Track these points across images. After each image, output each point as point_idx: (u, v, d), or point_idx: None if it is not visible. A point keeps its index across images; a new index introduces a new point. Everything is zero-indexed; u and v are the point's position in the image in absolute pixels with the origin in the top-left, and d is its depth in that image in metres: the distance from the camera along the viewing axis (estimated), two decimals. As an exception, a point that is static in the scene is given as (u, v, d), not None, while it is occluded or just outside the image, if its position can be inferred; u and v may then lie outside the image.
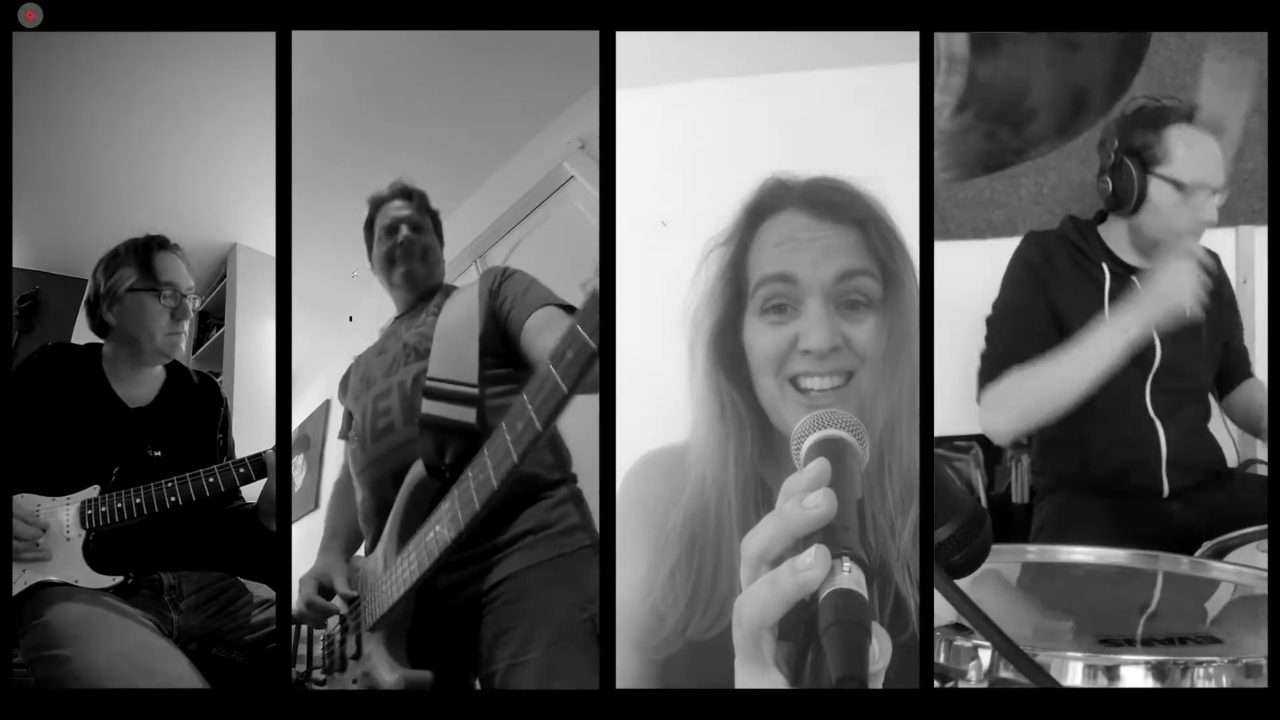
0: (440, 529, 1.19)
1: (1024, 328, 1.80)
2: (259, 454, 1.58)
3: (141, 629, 1.46)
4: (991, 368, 1.79)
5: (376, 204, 1.70)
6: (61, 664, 1.33)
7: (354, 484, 1.53)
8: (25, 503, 1.56)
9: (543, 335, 1.33)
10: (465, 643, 1.32)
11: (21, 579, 1.50)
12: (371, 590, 1.39)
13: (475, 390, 1.34)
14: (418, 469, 1.33)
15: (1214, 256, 1.96)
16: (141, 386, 1.72)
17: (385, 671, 1.29)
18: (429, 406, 1.35)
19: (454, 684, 1.37)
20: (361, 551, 1.55)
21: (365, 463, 1.47)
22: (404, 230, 1.62)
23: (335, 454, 1.98)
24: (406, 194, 1.68)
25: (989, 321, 1.88)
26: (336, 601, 1.49)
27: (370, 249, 1.70)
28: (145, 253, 1.69)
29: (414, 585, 1.25)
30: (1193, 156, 1.77)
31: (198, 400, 1.79)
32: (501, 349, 1.43)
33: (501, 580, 1.31)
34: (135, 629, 1.45)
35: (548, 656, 1.22)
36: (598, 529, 1.34)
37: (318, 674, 1.49)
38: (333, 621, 1.51)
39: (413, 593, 1.27)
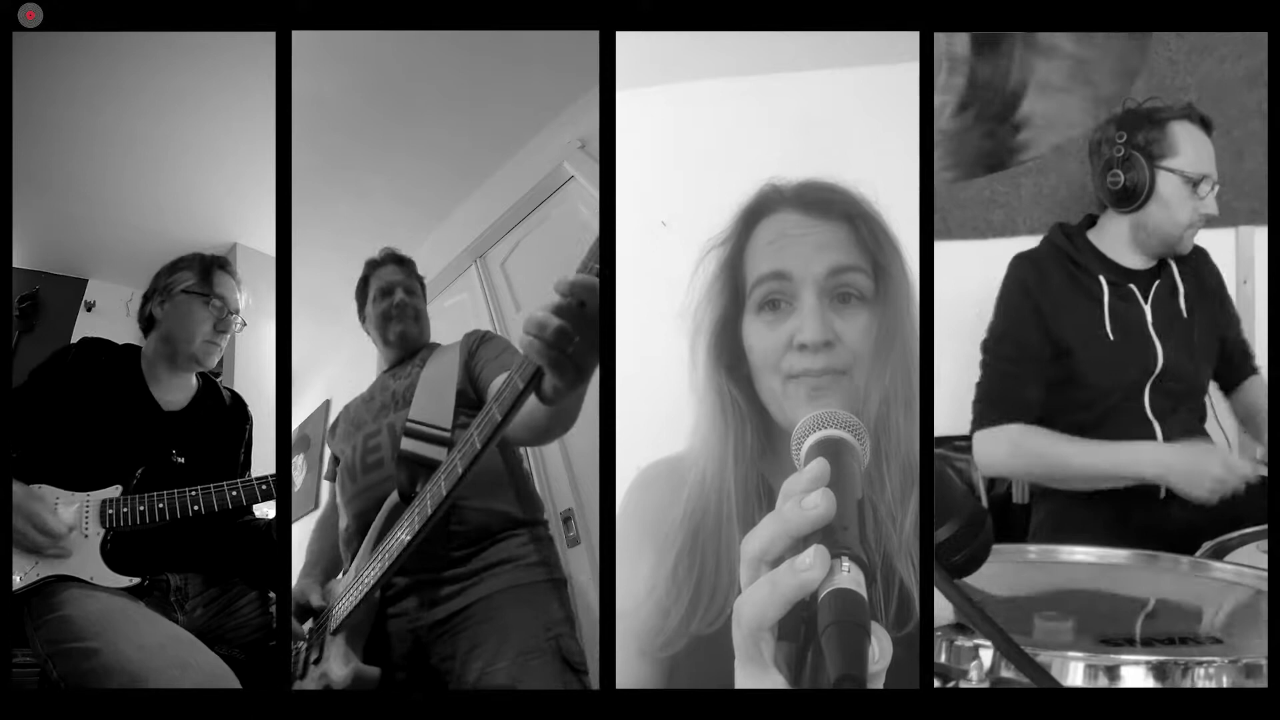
0: (401, 534, 1.32)
1: (1020, 368, 1.84)
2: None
3: (164, 621, 1.47)
4: (987, 408, 1.85)
5: (371, 267, 1.86)
6: (89, 656, 1.33)
7: (340, 512, 1.65)
8: (44, 494, 1.55)
9: None
10: (435, 659, 1.45)
11: (33, 571, 1.49)
12: (338, 600, 1.49)
13: (448, 434, 1.50)
14: (393, 496, 1.46)
15: (1202, 251, 1.97)
16: (177, 392, 1.73)
17: (338, 665, 1.37)
18: (407, 444, 1.51)
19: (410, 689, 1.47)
20: (340, 576, 1.62)
21: (354, 492, 1.59)
22: (400, 294, 1.80)
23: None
24: (399, 260, 1.86)
25: (984, 349, 1.89)
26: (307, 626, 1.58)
27: (362, 307, 1.86)
28: (209, 265, 1.77)
29: (376, 584, 1.37)
30: (1194, 149, 1.82)
31: (227, 416, 1.81)
32: (474, 402, 1.57)
33: (474, 602, 1.44)
34: (160, 622, 1.46)
35: (515, 666, 1.34)
36: (561, 568, 1.57)
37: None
38: (303, 632, 1.58)
39: (375, 592, 1.39)
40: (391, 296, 1.79)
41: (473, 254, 2.88)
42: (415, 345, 1.79)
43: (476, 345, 1.65)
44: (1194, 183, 1.81)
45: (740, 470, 0.99)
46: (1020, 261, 1.91)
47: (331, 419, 1.84)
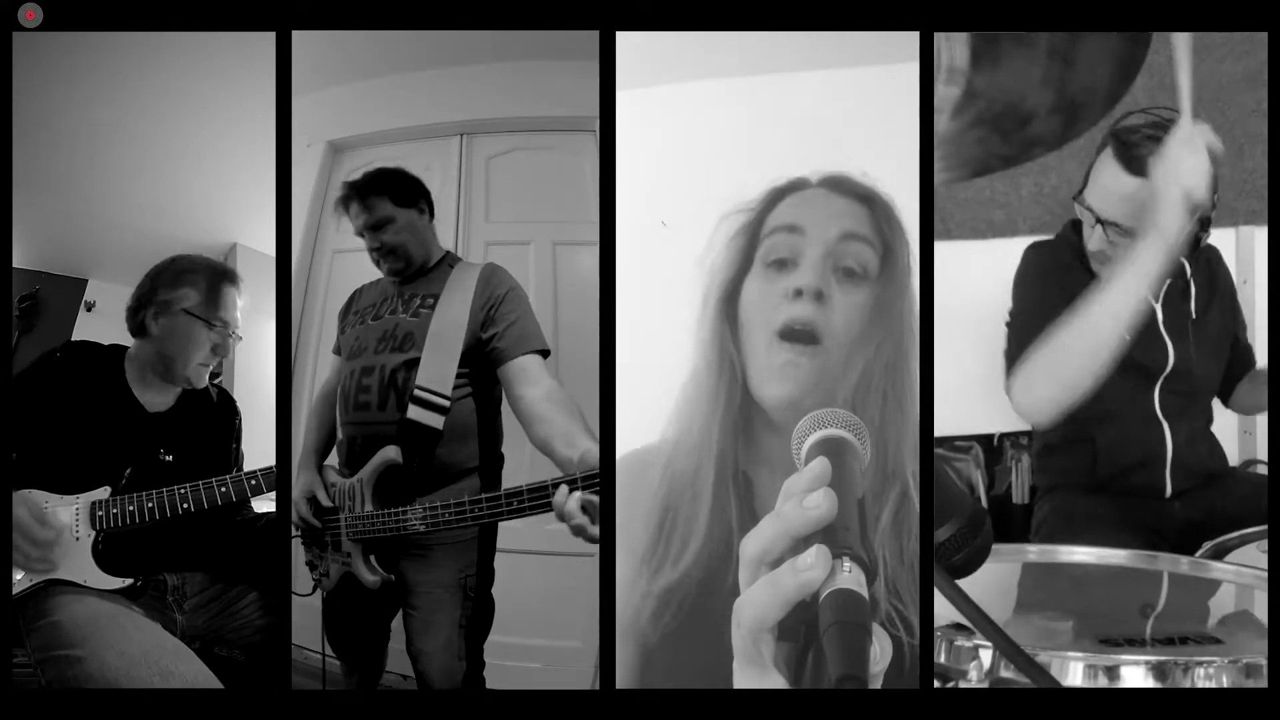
0: (415, 523, 1.50)
1: (1046, 318, 1.69)
2: (269, 467, 1.58)
3: (154, 628, 1.46)
4: (1016, 361, 1.69)
5: (344, 201, 1.69)
6: (73, 664, 1.32)
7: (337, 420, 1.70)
8: (34, 499, 1.54)
9: (518, 384, 1.54)
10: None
11: (27, 576, 1.49)
12: (350, 511, 1.61)
13: (448, 403, 1.55)
14: (390, 453, 1.54)
15: (1215, 251, 1.94)
16: (162, 394, 1.71)
17: (368, 571, 1.57)
18: (414, 413, 1.55)
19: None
20: (333, 461, 1.72)
21: (346, 419, 1.65)
22: (369, 241, 1.67)
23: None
24: (361, 193, 1.67)
25: (1008, 325, 1.86)
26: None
27: None
28: (216, 282, 1.69)
29: (384, 537, 1.56)
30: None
31: (214, 413, 1.79)
32: (474, 360, 1.58)
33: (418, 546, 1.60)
34: (148, 628, 1.45)
35: (431, 598, 1.58)
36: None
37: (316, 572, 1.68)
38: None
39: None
40: (364, 239, 1.67)
41: (461, 129, 2.64)
42: (415, 269, 1.68)
43: (498, 303, 1.59)
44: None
45: (727, 425, 1.00)
46: (1036, 249, 1.90)
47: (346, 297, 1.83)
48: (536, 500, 1.30)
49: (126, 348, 1.72)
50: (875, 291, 0.98)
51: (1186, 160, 1.47)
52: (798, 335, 0.96)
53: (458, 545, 1.60)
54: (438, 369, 1.57)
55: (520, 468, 1.68)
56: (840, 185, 1.05)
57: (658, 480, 1.03)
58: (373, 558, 1.58)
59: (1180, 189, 1.47)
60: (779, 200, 1.06)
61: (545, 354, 1.57)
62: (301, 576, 1.71)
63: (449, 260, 1.71)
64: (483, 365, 1.59)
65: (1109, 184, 1.74)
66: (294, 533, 1.65)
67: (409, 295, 1.67)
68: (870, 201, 1.02)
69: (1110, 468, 1.85)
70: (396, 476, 1.56)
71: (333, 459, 1.73)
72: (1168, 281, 1.86)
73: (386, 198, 1.67)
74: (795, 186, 1.06)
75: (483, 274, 1.62)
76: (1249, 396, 2.00)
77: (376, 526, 1.54)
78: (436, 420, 1.55)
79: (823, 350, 0.96)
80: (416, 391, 1.55)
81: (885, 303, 0.98)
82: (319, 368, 2.05)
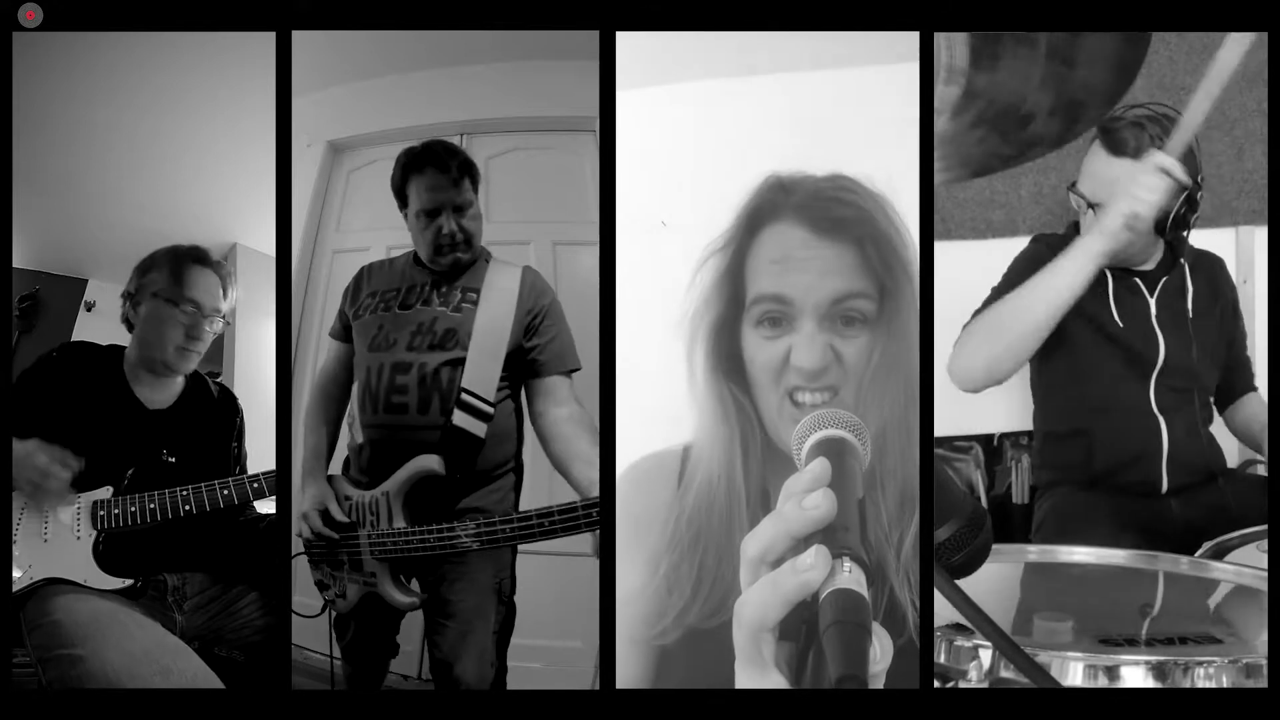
0: (467, 540, 1.44)
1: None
2: (271, 470, 1.58)
3: (154, 627, 1.46)
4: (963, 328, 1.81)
5: (408, 168, 1.55)
6: (75, 663, 1.32)
7: (353, 421, 1.62)
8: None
9: (544, 400, 1.54)
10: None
11: (26, 575, 1.49)
12: (374, 528, 1.53)
13: (491, 410, 1.51)
14: (427, 461, 1.47)
15: (1219, 261, 1.96)
16: (161, 391, 1.71)
17: (399, 594, 1.52)
18: (459, 419, 1.49)
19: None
20: (335, 469, 1.65)
21: (373, 421, 1.55)
22: (448, 221, 1.53)
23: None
24: (441, 163, 1.54)
25: (985, 303, 1.86)
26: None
27: (402, 207, 1.60)
28: (179, 263, 1.68)
29: (423, 555, 1.49)
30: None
31: (215, 411, 1.78)
32: (513, 364, 1.55)
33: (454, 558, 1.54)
34: (148, 626, 1.45)
35: (467, 610, 1.53)
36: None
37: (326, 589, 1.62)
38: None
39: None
40: (437, 221, 1.53)
41: (462, 129, 2.61)
42: (467, 265, 1.59)
43: (543, 314, 1.55)
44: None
45: (752, 466, 0.98)
46: (1040, 242, 1.91)
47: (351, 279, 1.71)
48: None
49: (124, 348, 1.72)
50: (879, 333, 0.95)
51: (1145, 179, 1.62)
52: (808, 401, 0.95)
53: (494, 550, 1.53)
54: (483, 371, 1.50)
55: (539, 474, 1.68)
56: (825, 220, 0.96)
57: (683, 519, 1.00)
58: (402, 577, 1.52)
59: (1130, 204, 1.63)
60: (757, 229, 0.99)
61: (577, 369, 1.56)
62: (307, 592, 1.66)
63: (484, 255, 1.62)
64: (521, 370, 1.56)
65: (1096, 169, 1.80)
66: (301, 550, 1.60)
67: (445, 288, 1.57)
68: (862, 244, 0.95)
69: (1106, 461, 1.87)
70: (431, 488, 1.49)
71: (334, 467, 1.67)
72: (1165, 279, 1.88)
73: (469, 180, 1.56)
74: (771, 209, 0.98)
75: (525, 278, 1.57)
76: (1235, 422, 2.03)
77: (415, 545, 1.47)
78: (480, 428, 1.50)
79: (838, 400, 0.95)
80: (463, 396, 1.49)
81: (892, 348, 0.95)
82: (319, 368, 2.04)
